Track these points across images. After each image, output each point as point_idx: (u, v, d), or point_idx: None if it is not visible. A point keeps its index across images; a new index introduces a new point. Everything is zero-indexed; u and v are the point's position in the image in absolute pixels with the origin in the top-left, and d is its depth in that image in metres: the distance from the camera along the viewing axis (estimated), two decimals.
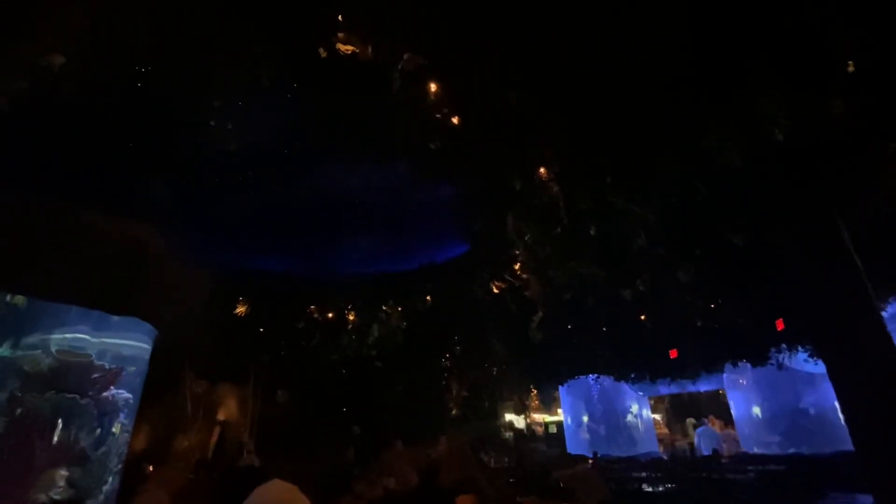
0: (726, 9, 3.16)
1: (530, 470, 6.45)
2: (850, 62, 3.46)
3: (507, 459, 10.09)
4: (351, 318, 8.15)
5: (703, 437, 10.59)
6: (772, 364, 8.31)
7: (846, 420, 4.25)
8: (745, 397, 10.40)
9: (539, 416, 17.44)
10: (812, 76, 3.42)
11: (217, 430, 7.98)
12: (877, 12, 3.22)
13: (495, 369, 10.21)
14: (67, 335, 4.15)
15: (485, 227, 5.70)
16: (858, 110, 3.66)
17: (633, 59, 3.43)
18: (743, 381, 10.43)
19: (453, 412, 10.27)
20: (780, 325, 6.82)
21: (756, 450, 9.48)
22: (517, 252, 5.78)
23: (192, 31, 3.36)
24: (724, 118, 3.61)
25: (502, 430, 12.82)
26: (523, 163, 4.58)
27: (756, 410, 9.99)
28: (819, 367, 6.91)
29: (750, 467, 7.61)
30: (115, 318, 4.48)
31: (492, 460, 9.63)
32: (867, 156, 4.30)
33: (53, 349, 4.04)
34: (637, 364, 10.05)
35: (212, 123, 3.94)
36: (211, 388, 8.15)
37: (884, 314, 4.90)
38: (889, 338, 3.98)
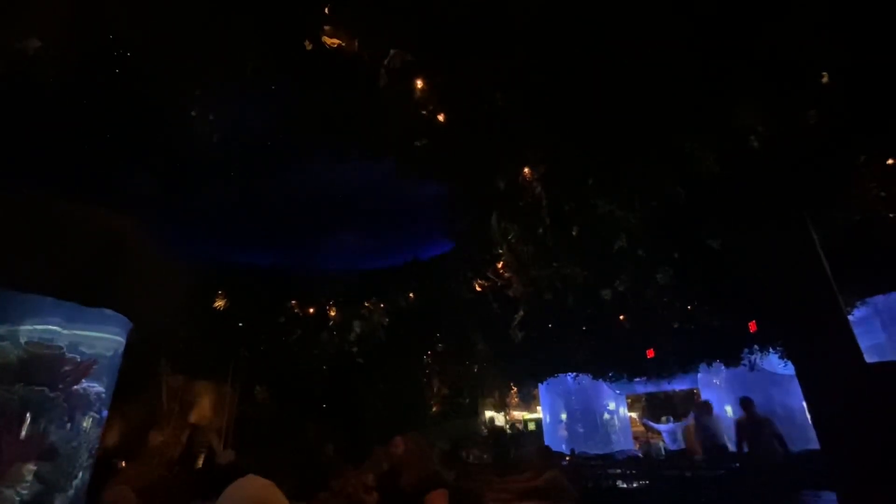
0: (708, 19, 3.23)
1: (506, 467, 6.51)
2: (825, 73, 3.58)
3: (485, 456, 10.16)
4: (332, 313, 8.10)
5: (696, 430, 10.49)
6: (744, 365, 8.57)
7: (813, 420, 4.40)
8: (717, 397, 10.68)
9: (518, 414, 17.60)
10: (788, 86, 3.52)
11: (192, 426, 7.85)
12: (851, 26, 3.34)
13: (476, 367, 10.27)
14: (38, 326, 4.03)
15: (469, 225, 5.72)
16: (832, 121, 3.79)
17: (617, 64, 3.49)
18: (716, 381, 10.72)
19: (434, 409, 10.30)
20: (752, 327, 7.03)
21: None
22: (500, 251, 5.82)
23: (174, 17, 3.30)
24: (704, 125, 3.70)
25: (482, 427, 12.91)
26: (508, 163, 4.62)
27: (728, 409, 10.27)
28: (789, 369, 7.13)
29: (721, 465, 7.80)
30: (89, 309, 4.37)
31: (471, 456, 9.69)
32: (839, 165, 4.46)
33: (22, 340, 3.93)
34: (615, 363, 10.23)
35: (193, 113, 3.87)
36: (188, 382, 8.00)
37: (850, 318, 5.09)
38: (854, 341, 4.13)
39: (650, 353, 9.18)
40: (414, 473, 3.43)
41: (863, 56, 3.44)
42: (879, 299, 7.27)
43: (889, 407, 3.73)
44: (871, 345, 7.09)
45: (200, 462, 7.26)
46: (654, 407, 15.55)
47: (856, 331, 4.25)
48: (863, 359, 4.09)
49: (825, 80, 3.55)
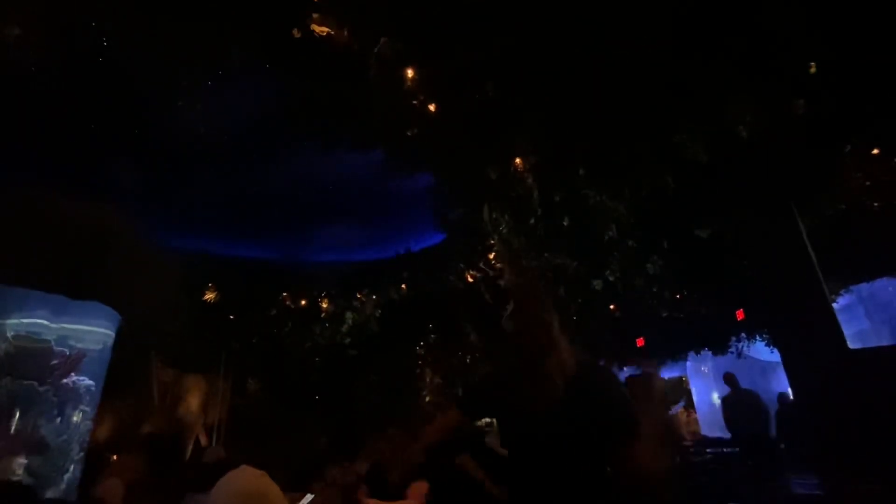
0: (697, 9, 3.23)
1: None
2: (812, 64, 3.61)
3: None
4: (324, 305, 8.07)
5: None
6: (731, 352, 8.71)
7: (798, 405, 4.50)
8: (705, 384, 10.86)
9: None
10: (776, 77, 3.55)
11: (185, 419, 7.83)
12: (838, 18, 3.36)
13: (468, 357, 10.32)
14: (24, 320, 3.99)
15: (460, 216, 5.71)
16: (819, 111, 3.83)
17: (608, 55, 3.48)
18: (705, 369, 10.89)
19: (427, 399, 10.34)
20: (740, 315, 7.13)
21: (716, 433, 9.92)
22: (492, 242, 5.82)
23: (159, 4, 3.23)
24: (693, 116, 3.72)
25: None
26: (499, 153, 4.61)
27: (715, 396, 10.46)
28: (775, 356, 7.27)
29: (708, 450, 7.96)
30: (76, 302, 4.32)
31: None
32: (825, 155, 4.51)
33: (9, 335, 3.88)
34: (606, 352, 10.34)
35: (180, 103, 3.81)
36: (179, 376, 7.96)
37: (835, 305, 5.19)
38: (839, 328, 4.22)
39: (640, 342, 9.29)
40: (397, 473, 3.45)
41: (849, 47, 3.47)
42: (864, 287, 7.42)
43: (871, 391, 3.82)
44: (856, 331, 7.24)
45: (194, 454, 7.25)
46: None
47: (840, 318, 4.34)
48: (847, 345, 4.18)
49: (813, 70, 3.58)
